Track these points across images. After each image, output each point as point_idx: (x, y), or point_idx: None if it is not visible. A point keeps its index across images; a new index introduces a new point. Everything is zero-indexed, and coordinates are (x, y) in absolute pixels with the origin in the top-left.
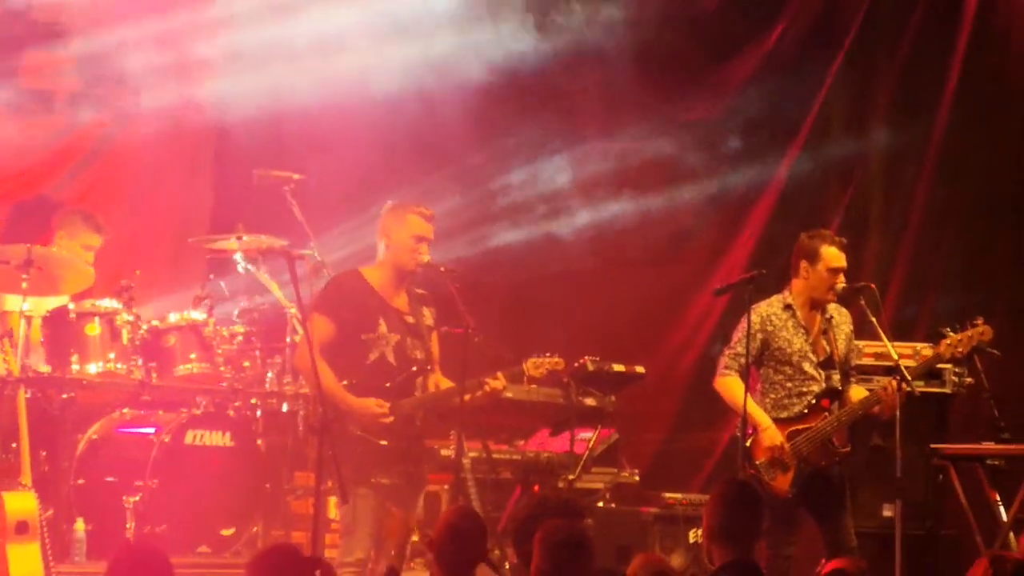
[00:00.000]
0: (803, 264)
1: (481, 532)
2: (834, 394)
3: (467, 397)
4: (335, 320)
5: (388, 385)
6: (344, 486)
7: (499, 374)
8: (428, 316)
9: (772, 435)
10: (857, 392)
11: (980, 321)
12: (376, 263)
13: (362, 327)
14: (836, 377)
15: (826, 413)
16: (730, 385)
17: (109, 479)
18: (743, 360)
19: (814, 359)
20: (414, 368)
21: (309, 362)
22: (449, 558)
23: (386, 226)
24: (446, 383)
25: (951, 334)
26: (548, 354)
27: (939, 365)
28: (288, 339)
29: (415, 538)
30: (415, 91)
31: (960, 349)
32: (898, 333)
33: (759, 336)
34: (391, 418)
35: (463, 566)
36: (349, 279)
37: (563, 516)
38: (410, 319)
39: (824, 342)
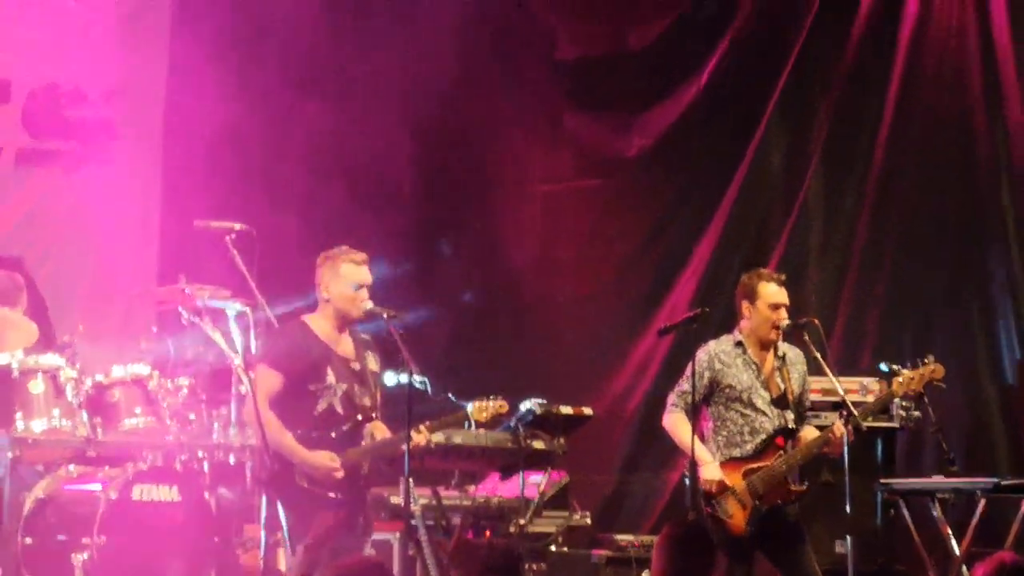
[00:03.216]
0: (744, 304)
1: None
2: (788, 433)
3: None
4: (283, 372)
5: (334, 435)
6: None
7: (421, 427)
8: (373, 361)
9: (711, 471)
10: (810, 433)
11: (931, 359)
12: (318, 311)
13: (310, 378)
14: (790, 416)
15: (781, 452)
16: (676, 422)
17: (59, 538)
18: (690, 398)
19: (766, 396)
20: (359, 417)
21: (255, 414)
22: None
23: (323, 277)
24: (382, 430)
25: (904, 372)
26: (492, 397)
27: None
28: (234, 390)
29: None
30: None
31: (913, 387)
32: (843, 364)
33: (707, 374)
34: (342, 473)
35: None
36: (294, 329)
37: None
38: (355, 365)
39: (778, 379)
